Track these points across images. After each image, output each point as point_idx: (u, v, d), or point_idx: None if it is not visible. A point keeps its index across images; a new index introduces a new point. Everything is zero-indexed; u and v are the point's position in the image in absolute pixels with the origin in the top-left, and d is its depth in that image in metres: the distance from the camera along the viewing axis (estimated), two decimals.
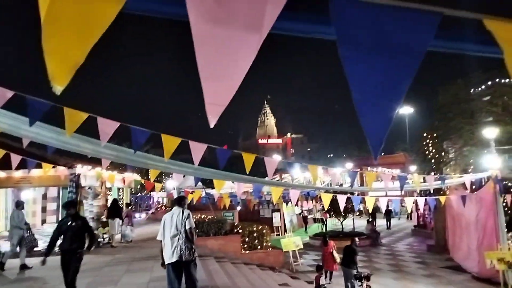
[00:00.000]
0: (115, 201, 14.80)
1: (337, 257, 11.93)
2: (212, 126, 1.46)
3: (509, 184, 16.12)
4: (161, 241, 6.31)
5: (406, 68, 1.40)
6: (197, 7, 1.28)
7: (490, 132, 12.65)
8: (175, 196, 17.33)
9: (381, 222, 28.09)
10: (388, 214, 28.28)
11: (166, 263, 6.16)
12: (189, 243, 6.10)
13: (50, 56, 1.28)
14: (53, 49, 1.29)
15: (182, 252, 6.00)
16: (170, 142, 6.25)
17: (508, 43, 1.36)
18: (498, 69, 15.78)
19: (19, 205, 10.56)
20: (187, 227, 6.11)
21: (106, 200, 15.28)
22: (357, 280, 10.33)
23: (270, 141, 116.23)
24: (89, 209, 14.82)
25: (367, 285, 10.05)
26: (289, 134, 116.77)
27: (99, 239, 13.94)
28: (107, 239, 14.00)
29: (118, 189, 19.39)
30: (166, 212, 12.38)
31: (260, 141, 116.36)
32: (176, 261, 6.02)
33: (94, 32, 1.28)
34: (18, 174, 12.59)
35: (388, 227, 28.37)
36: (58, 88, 1.31)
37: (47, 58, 1.28)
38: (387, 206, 24.99)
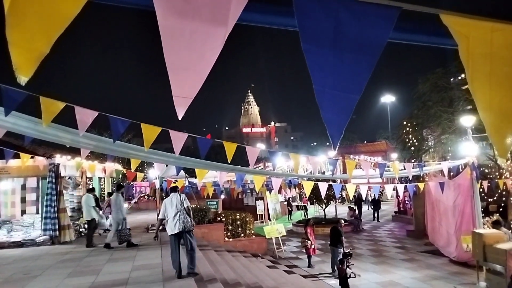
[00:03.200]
0: (91, 190, 14.67)
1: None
2: (180, 117, 1.49)
3: (486, 170, 16.57)
4: (162, 219, 8.18)
5: (365, 62, 1.45)
6: (164, 1, 1.30)
7: (468, 120, 12.91)
8: (157, 185, 17.29)
9: (366, 213, 26.36)
10: (376, 204, 25.34)
11: (169, 234, 7.89)
12: (189, 217, 7.90)
13: (14, 46, 1.28)
14: (17, 40, 1.29)
15: (184, 224, 7.77)
16: (150, 132, 6.22)
17: (462, 36, 1.42)
18: None
19: (119, 188, 12.04)
20: (185, 206, 7.94)
21: (88, 189, 15.13)
22: (344, 257, 10.88)
23: (254, 130, 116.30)
24: (70, 199, 14.68)
25: (349, 263, 10.34)
26: (272, 123, 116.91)
27: (80, 229, 13.84)
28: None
29: (100, 179, 19.20)
30: (149, 202, 12.39)
31: (244, 130, 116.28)
32: (178, 232, 7.77)
33: (59, 23, 1.29)
34: None
35: (376, 219, 25.16)
36: (23, 78, 1.32)
37: (11, 49, 1.28)
38: (375, 198, 25.00)
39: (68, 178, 14.21)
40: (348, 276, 9.98)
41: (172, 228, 7.84)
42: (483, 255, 9.55)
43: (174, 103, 1.46)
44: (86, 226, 14.00)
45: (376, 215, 25.22)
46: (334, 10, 1.42)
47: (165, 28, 1.36)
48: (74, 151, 12.38)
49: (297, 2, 1.38)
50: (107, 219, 15.00)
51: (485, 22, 1.41)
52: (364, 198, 21.99)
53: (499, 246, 9.07)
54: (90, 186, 14.48)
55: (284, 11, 1.84)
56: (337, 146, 1.53)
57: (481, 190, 13.80)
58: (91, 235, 11.81)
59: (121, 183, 13.32)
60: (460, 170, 14.31)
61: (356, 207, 24.99)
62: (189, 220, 7.88)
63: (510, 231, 9.96)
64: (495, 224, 10.61)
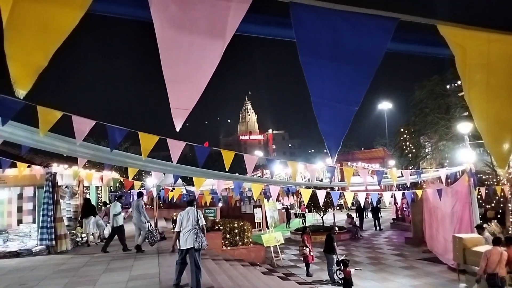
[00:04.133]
0: (87, 200, 14.63)
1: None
2: (178, 129, 1.49)
3: (483, 177, 16.59)
4: (178, 232, 7.97)
5: (364, 73, 1.45)
6: (161, 13, 1.31)
7: (465, 127, 12.96)
8: (155, 194, 17.22)
9: (366, 220, 25.76)
10: (376, 213, 24.41)
11: (180, 248, 7.84)
12: (202, 236, 7.80)
13: (12, 60, 1.28)
14: (15, 54, 1.29)
15: (199, 242, 7.67)
16: (148, 140, 6.21)
17: (458, 47, 1.43)
18: None
19: (140, 195, 12.68)
20: (201, 224, 7.84)
21: (84, 199, 15.06)
22: (338, 265, 11.55)
23: (252, 137, 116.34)
24: (67, 208, 14.60)
25: (346, 270, 10.36)
26: (270, 130, 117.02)
27: (77, 239, 13.75)
28: (85, 238, 13.83)
29: (97, 187, 19.11)
30: (146, 210, 12.39)
31: (241, 137, 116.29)
32: (188, 248, 7.66)
33: (56, 36, 1.29)
34: None
35: (378, 228, 24.19)
36: (21, 91, 1.32)
37: (9, 62, 1.28)
38: (374, 206, 24.64)
39: (65, 187, 14.13)
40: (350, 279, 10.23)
41: (184, 242, 7.77)
42: (463, 258, 10.09)
43: (172, 115, 1.46)
44: (83, 235, 13.95)
45: (377, 223, 24.34)
46: (332, 22, 1.42)
47: (162, 40, 1.36)
48: (71, 160, 12.33)
49: (294, 15, 1.38)
50: (104, 228, 14.92)
51: (482, 33, 1.42)
52: (363, 205, 21.81)
53: (476, 249, 9.53)
54: (118, 194, 15.14)
55: (282, 22, 1.84)
56: (335, 158, 1.53)
57: (478, 196, 13.81)
58: (123, 240, 12.14)
59: (141, 191, 13.96)
60: (458, 176, 14.33)
61: (357, 215, 24.76)
62: (203, 240, 7.79)
63: (492, 236, 10.03)
64: (478, 228, 10.92)
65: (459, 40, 1.42)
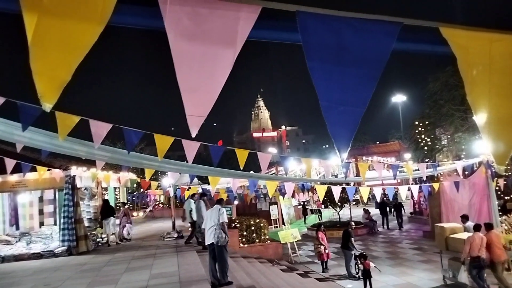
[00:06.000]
0: (106, 201, 14.91)
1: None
2: (193, 135, 1.57)
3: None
4: (204, 228, 8.64)
5: (369, 76, 1.51)
6: (175, 26, 1.39)
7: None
8: (172, 193, 17.44)
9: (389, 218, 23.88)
10: (399, 210, 22.77)
11: (206, 243, 8.48)
12: (223, 233, 8.14)
13: (38, 76, 1.38)
14: (41, 69, 1.38)
15: (218, 238, 8.08)
16: (163, 142, 6.33)
17: (461, 48, 1.47)
18: None
19: (203, 195, 13.16)
20: (220, 221, 8.18)
21: (103, 200, 15.36)
22: (356, 259, 11.55)
23: (265, 134, 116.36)
24: (86, 209, 14.91)
25: (365, 262, 10.43)
26: (283, 127, 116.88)
27: (97, 239, 14.04)
28: (105, 239, 14.11)
29: (115, 188, 19.44)
30: (164, 209, 12.60)
31: (255, 134, 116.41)
32: (212, 243, 8.21)
33: (79, 52, 1.38)
34: (14, 178, 12.63)
35: (400, 225, 22.39)
36: (47, 105, 1.41)
37: (35, 78, 1.38)
38: (396, 199, 23.42)
39: (84, 189, 14.44)
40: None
41: (208, 238, 8.38)
42: (445, 245, 10.93)
43: (188, 122, 1.55)
44: (103, 236, 14.26)
45: (400, 220, 22.54)
46: (336, 28, 1.48)
47: (176, 51, 1.44)
48: (89, 162, 12.59)
49: (301, 22, 1.45)
50: (123, 229, 15.19)
51: (484, 33, 1.45)
52: (380, 200, 20.81)
53: (456, 236, 10.59)
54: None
55: (290, 27, 1.90)
56: (344, 159, 1.59)
57: (497, 188, 13.63)
58: (192, 236, 13.10)
59: (205, 192, 14.73)
60: (475, 168, 14.16)
61: (380, 212, 23.79)
62: (223, 236, 8.19)
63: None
64: (463, 218, 11.65)
65: (461, 41, 1.47)
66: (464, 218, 11.66)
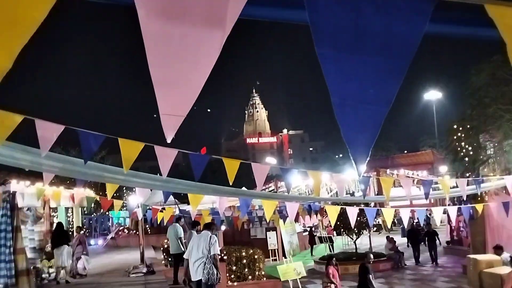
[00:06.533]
0: (59, 224, 14.78)
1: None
2: (169, 141, 1.56)
3: None
4: (187, 259, 8.58)
5: (395, 67, 1.51)
6: (146, 0, 1.37)
7: None
8: (140, 216, 17.35)
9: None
10: (433, 240, 22.18)
11: (192, 279, 8.36)
12: (215, 268, 8.17)
13: None
14: None
15: (209, 275, 8.09)
16: (130, 148, 6.29)
17: (510, 29, 1.47)
18: None
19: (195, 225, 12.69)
20: (211, 254, 8.21)
21: (51, 224, 15.24)
22: None
23: (262, 140, 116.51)
24: (29, 236, 14.77)
25: None
26: (285, 131, 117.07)
27: (43, 275, 13.90)
28: (53, 274, 13.96)
29: (66, 209, 19.32)
30: (130, 236, 12.55)
31: (248, 140, 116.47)
32: (199, 280, 8.17)
33: (21, 35, 1.37)
34: None
35: (435, 261, 21.68)
36: None
37: None
38: (429, 224, 23.54)
39: (27, 210, 14.31)
40: None
41: (194, 273, 8.34)
42: (479, 282, 11.18)
43: (162, 124, 1.53)
44: (50, 270, 14.11)
45: (433, 252, 21.87)
46: (354, 5, 1.48)
47: (148, 33, 1.43)
48: (34, 175, 12.50)
49: None
50: (78, 261, 15.05)
51: None
52: (409, 225, 20.64)
53: (493, 271, 10.73)
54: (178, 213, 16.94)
55: (294, 2, 1.91)
56: (362, 173, 1.60)
57: None
58: (177, 270, 12.95)
59: (196, 220, 14.51)
60: None
61: (408, 242, 23.72)
62: (215, 272, 8.20)
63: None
64: (496, 249, 11.92)
65: (511, 22, 1.47)
66: (499, 249, 11.82)
